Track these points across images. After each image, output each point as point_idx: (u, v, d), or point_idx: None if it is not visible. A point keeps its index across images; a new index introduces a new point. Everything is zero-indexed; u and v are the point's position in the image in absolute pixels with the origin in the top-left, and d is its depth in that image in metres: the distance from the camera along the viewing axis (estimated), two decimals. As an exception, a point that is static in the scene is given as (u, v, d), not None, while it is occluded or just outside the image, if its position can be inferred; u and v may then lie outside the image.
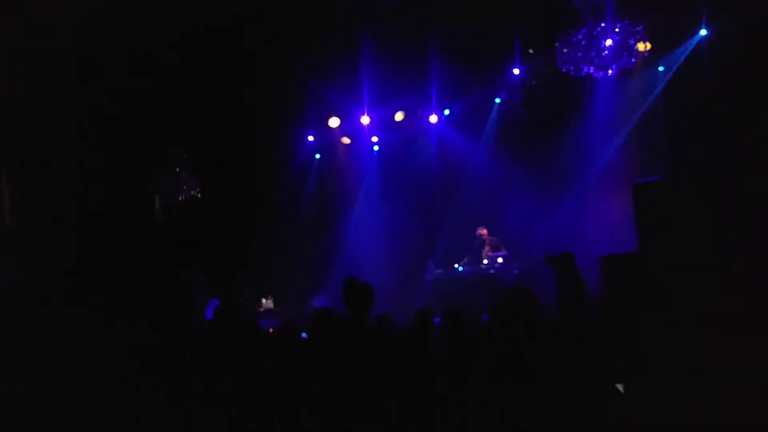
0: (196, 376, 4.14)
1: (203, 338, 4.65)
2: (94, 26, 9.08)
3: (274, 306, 12.39)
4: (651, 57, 11.07)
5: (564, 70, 10.46)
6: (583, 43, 10.06)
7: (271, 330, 6.23)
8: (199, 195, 11.08)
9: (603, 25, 10.01)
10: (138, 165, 11.03)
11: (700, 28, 10.93)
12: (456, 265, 12.52)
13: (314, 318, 4.92)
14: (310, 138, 14.22)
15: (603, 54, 10.17)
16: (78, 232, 10.05)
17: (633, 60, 10.37)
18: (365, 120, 13.45)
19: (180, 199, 10.89)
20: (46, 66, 9.25)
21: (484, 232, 12.51)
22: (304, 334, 5.11)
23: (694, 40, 11.08)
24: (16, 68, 9.11)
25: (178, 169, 10.72)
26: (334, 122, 13.85)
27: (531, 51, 12.21)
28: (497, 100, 13.34)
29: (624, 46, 10.22)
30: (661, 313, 4.72)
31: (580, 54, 10.01)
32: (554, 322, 4.26)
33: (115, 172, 10.78)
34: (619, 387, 4.00)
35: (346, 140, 14.42)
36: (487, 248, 12.41)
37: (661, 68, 11.68)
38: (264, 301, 12.39)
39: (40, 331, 4.45)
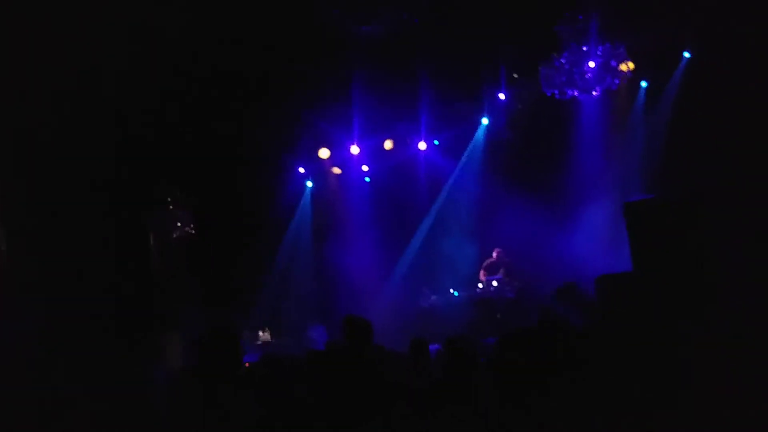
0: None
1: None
2: (88, 65, 9.15)
3: (271, 338, 12.36)
4: (635, 76, 11.29)
5: (549, 93, 10.64)
6: (566, 66, 10.25)
7: (247, 364, 6.28)
8: (193, 231, 11.11)
9: (585, 48, 10.21)
10: (131, 202, 11.06)
11: (684, 49, 11.13)
12: (451, 290, 12.58)
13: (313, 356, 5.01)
14: (301, 170, 14.29)
15: (586, 76, 10.36)
16: (73, 270, 10.05)
17: (617, 81, 10.56)
18: (355, 149, 13.56)
19: (174, 235, 10.93)
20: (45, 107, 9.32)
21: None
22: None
23: (681, 62, 11.27)
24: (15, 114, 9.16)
25: (171, 206, 10.75)
26: (324, 153, 13.92)
27: (515, 76, 12.38)
28: (485, 121, 13.45)
29: (607, 68, 10.41)
30: (658, 331, 4.80)
31: (564, 78, 10.19)
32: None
33: (109, 211, 10.80)
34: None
35: (336, 170, 14.49)
36: (482, 272, 12.52)
37: (643, 84, 11.86)
38: (261, 333, 12.36)
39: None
